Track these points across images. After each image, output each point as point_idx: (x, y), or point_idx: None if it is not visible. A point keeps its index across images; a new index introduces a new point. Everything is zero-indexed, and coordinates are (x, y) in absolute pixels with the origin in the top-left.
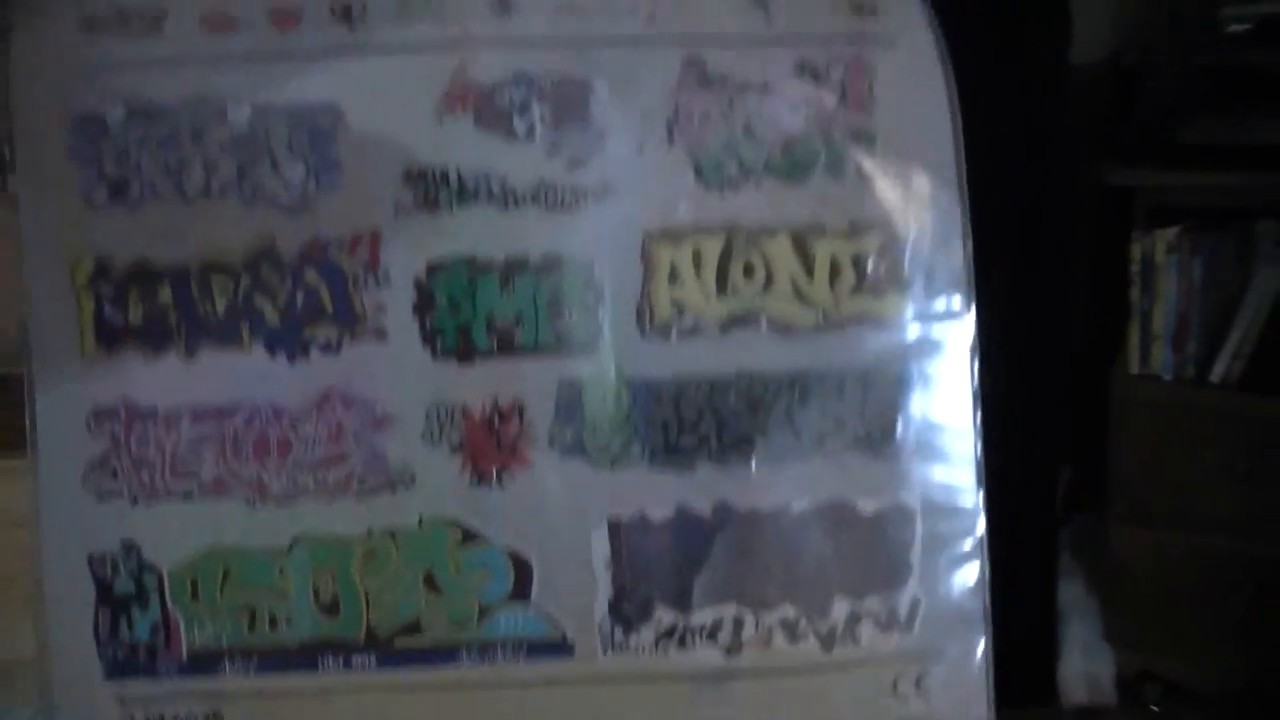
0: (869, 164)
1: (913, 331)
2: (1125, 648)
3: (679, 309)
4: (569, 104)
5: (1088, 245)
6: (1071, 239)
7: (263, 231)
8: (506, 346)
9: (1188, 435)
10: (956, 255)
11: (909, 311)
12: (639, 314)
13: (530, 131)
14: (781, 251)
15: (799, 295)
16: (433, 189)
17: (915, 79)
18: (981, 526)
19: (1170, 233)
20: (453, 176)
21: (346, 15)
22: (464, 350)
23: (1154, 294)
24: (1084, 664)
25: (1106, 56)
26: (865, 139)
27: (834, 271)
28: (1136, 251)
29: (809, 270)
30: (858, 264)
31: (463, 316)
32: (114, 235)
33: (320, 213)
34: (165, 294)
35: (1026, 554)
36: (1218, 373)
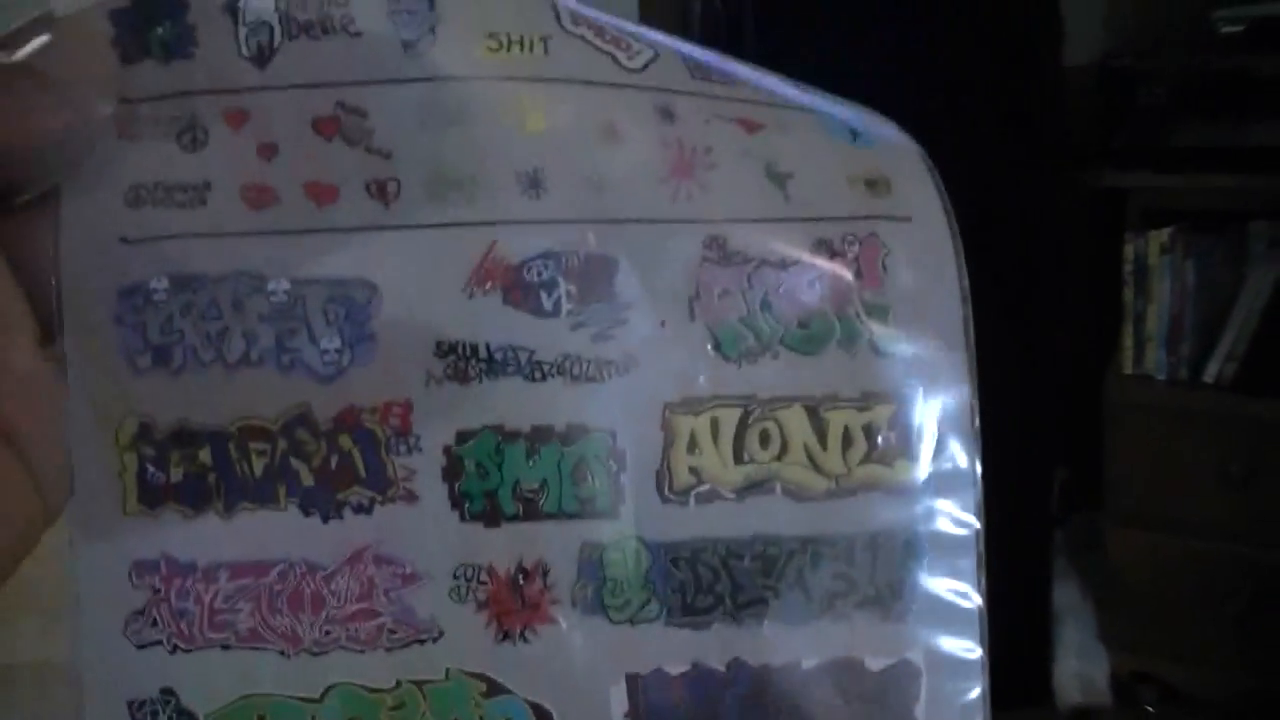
0: (881, 337)
1: (920, 497)
2: (1120, 649)
3: (697, 475)
4: (594, 281)
5: (1081, 247)
6: (1065, 242)
7: (299, 399)
8: (532, 511)
9: (1182, 437)
10: (964, 420)
11: (916, 478)
12: (659, 480)
13: (557, 307)
14: (796, 422)
15: (812, 462)
16: (462, 361)
17: (927, 253)
18: (983, 682)
19: (1164, 234)
20: (482, 350)
21: (382, 192)
22: (491, 514)
23: (1147, 295)
24: (1079, 665)
25: (1098, 59)
26: (878, 313)
27: (846, 440)
28: (1130, 253)
29: (822, 439)
30: (869, 433)
31: (490, 482)
32: (156, 399)
33: (354, 382)
34: (205, 455)
35: (1021, 555)
36: (1211, 374)
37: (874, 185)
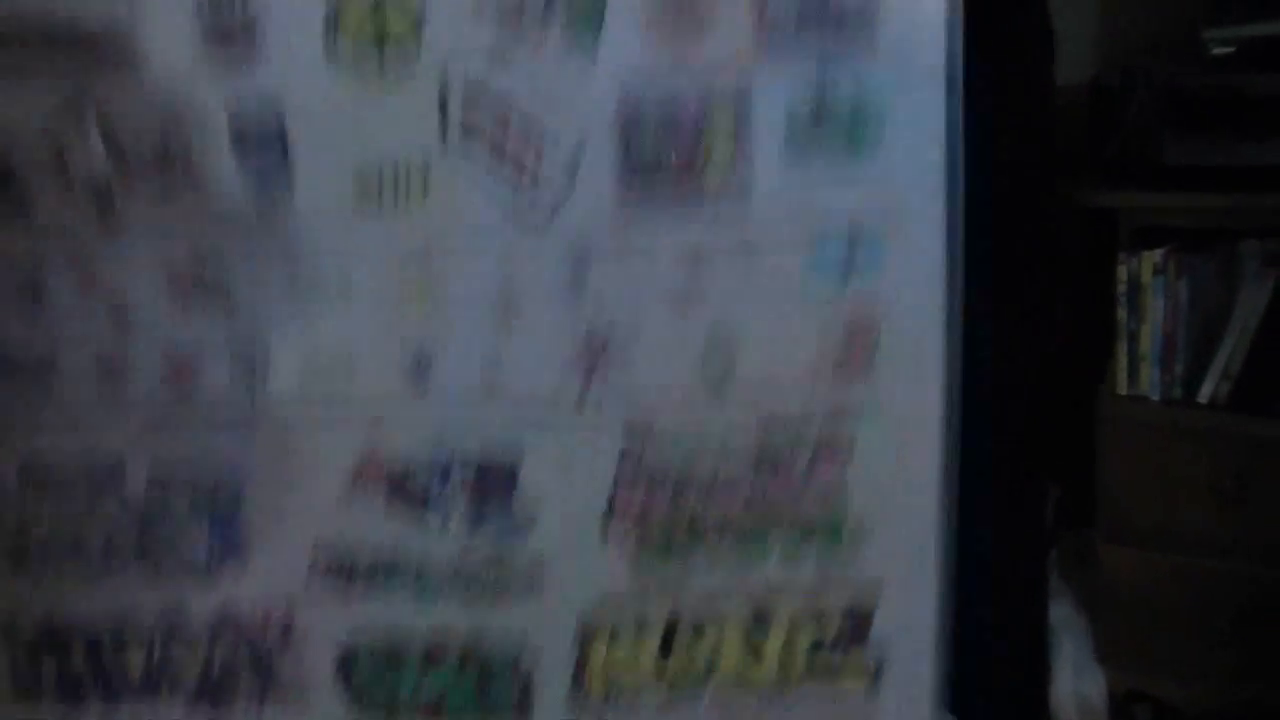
0: (832, 558)
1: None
2: (1115, 667)
3: (618, 686)
4: (490, 492)
5: (1073, 266)
6: (1057, 260)
7: (173, 596)
8: (435, 712)
9: (1175, 455)
10: (926, 643)
11: (867, 687)
12: (572, 694)
13: (447, 517)
14: (729, 645)
15: (746, 675)
16: (345, 569)
17: (902, 453)
18: None
19: (1156, 254)
20: (364, 558)
21: (248, 372)
22: (390, 712)
23: (1140, 315)
24: (1075, 684)
25: (1090, 77)
26: (829, 532)
27: (788, 649)
28: (1123, 273)
29: (758, 659)
30: (813, 659)
31: (385, 689)
32: (16, 599)
33: (229, 584)
34: (79, 656)
35: (1016, 574)
36: (1205, 393)
37: (845, 365)
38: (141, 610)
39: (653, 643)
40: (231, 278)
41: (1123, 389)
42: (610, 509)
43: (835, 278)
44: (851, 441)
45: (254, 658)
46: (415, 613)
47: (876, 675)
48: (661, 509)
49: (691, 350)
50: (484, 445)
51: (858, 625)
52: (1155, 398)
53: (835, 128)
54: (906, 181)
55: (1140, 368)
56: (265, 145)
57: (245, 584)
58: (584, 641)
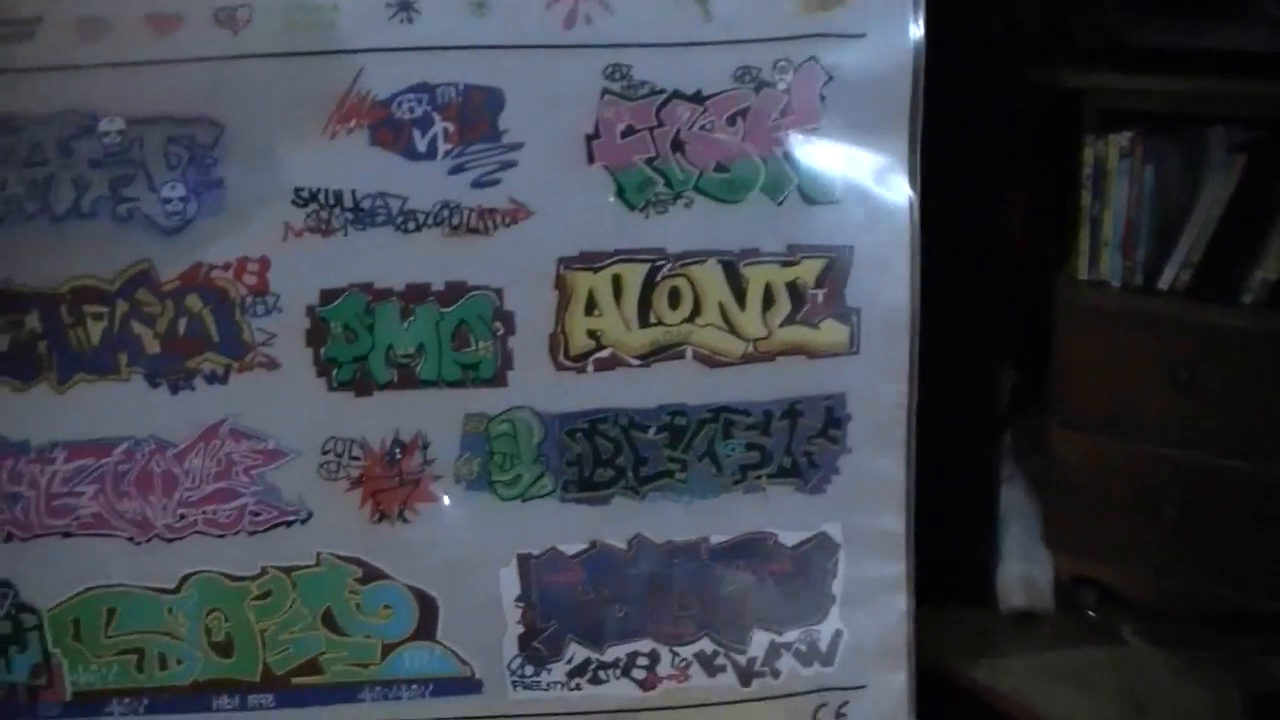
0: (813, 183)
1: (848, 363)
2: (1063, 552)
3: (596, 339)
4: (476, 117)
5: (1037, 149)
6: (1017, 141)
7: (139, 254)
8: (408, 379)
9: (1133, 342)
10: (899, 281)
11: (846, 342)
12: (552, 345)
13: (432, 148)
14: (711, 279)
15: (728, 324)
16: (325, 211)
17: (878, 79)
18: (907, 558)
19: (1122, 137)
20: (347, 198)
21: (231, 20)
22: (361, 382)
23: (1104, 199)
24: (1022, 568)
25: None
26: (810, 154)
27: (767, 300)
28: (1088, 156)
29: (740, 298)
30: (794, 292)
31: (360, 347)
32: None
33: (202, 235)
34: (33, 320)
35: (967, 457)
36: (1165, 280)
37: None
38: (106, 267)
39: (631, 301)
40: None
41: (1083, 274)
42: (596, 128)
43: None
44: (829, 69)
45: (222, 319)
46: (397, 251)
47: (854, 335)
48: (646, 126)
49: None
50: (471, 69)
51: (831, 291)
52: (1115, 283)
53: None
54: None
55: (1101, 253)
56: None
57: (219, 237)
58: (563, 282)
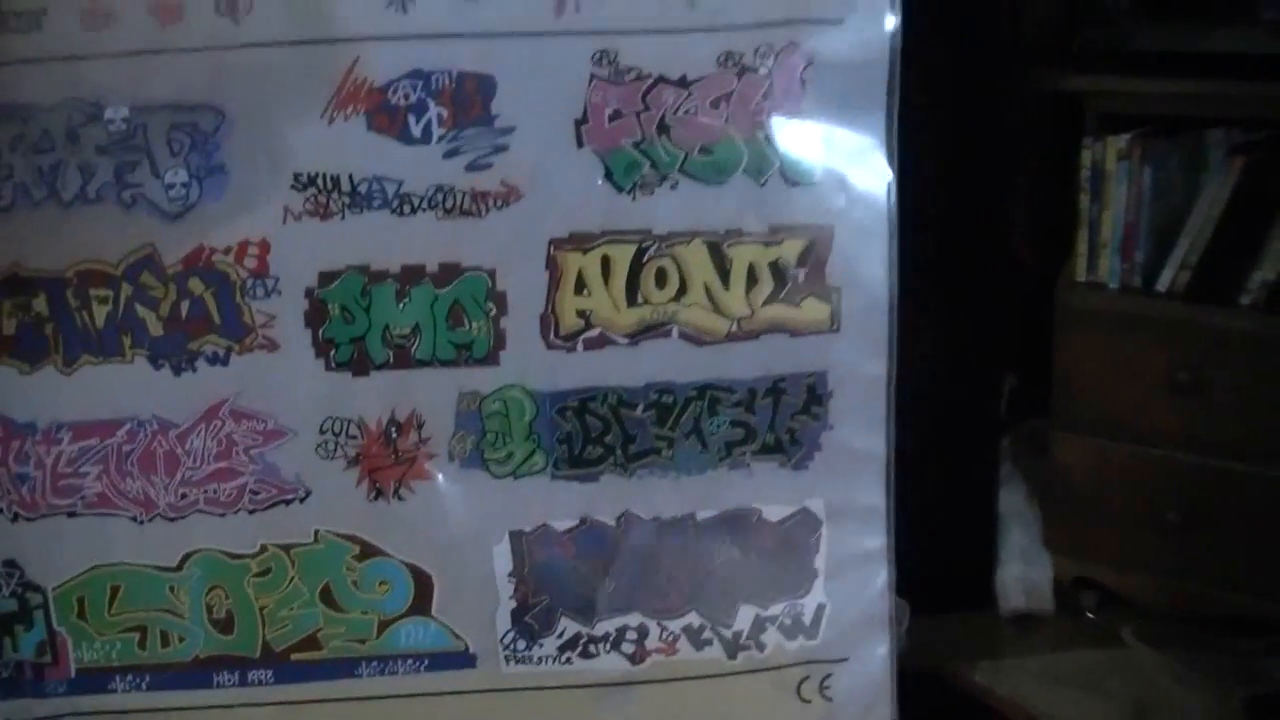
0: (794, 164)
1: (829, 339)
2: (1064, 555)
3: (586, 319)
4: (469, 102)
5: (1037, 151)
6: (1018, 145)
7: (143, 238)
8: (403, 358)
9: (1132, 344)
10: (878, 259)
11: (827, 320)
12: (543, 324)
13: (427, 133)
14: (696, 259)
15: (713, 303)
16: (324, 195)
17: (857, 63)
18: (887, 532)
19: (1121, 140)
20: (344, 181)
21: (232, 8)
22: (359, 362)
23: (1103, 201)
24: (1022, 570)
25: None
26: (793, 136)
27: (751, 278)
28: (1087, 158)
29: (725, 277)
30: (776, 271)
31: (357, 327)
32: None
33: (204, 218)
34: (40, 304)
35: (967, 460)
36: (1164, 282)
37: None
38: (111, 250)
39: (619, 281)
40: None
41: (1081, 276)
42: (585, 112)
43: None
44: (809, 53)
45: (223, 300)
46: (393, 233)
47: (835, 313)
48: (633, 110)
49: None
50: (464, 56)
51: (812, 270)
52: (1114, 285)
53: None
54: None
55: (1100, 255)
56: None
57: (221, 220)
58: (554, 262)
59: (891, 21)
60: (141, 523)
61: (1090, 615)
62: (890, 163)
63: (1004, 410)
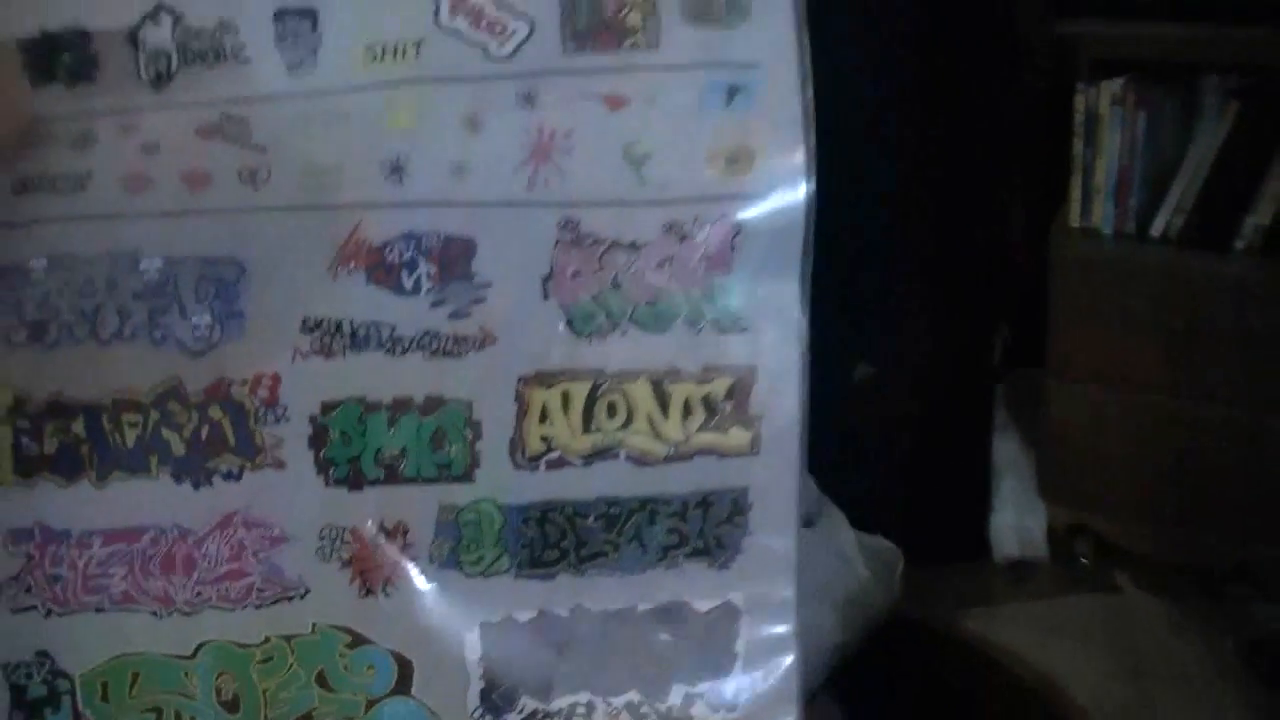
0: (724, 316)
1: (751, 462)
2: (1058, 503)
3: (548, 443)
4: (454, 261)
5: (1031, 96)
6: (1010, 90)
7: (170, 372)
8: (393, 475)
9: (1126, 290)
10: (792, 394)
11: (749, 445)
12: (512, 447)
13: (417, 286)
14: (641, 394)
15: (654, 431)
16: (328, 337)
17: (778, 229)
18: (795, 619)
19: (1115, 84)
20: (346, 326)
21: (253, 178)
22: (354, 479)
23: (1097, 147)
24: (1016, 518)
25: None
26: (723, 292)
27: (686, 410)
28: (1080, 103)
29: (664, 409)
30: (708, 404)
31: (353, 449)
32: (31, 373)
33: (225, 355)
34: (79, 427)
35: (962, 409)
36: (1158, 228)
37: (735, 162)
38: (142, 382)
39: (576, 412)
40: (253, 120)
41: (1075, 222)
42: (551, 270)
43: (721, 105)
44: (738, 224)
45: (238, 426)
46: (386, 370)
47: (755, 439)
48: (591, 270)
49: (614, 154)
50: (451, 221)
51: (738, 403)
52: (1108, 231)
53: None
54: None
55: (1094, 201)
56: (299, 27)
57: (239, 357)
58: (522, 397)
59: (807, 191)
60: (161, 617)
61: (1084, 563)
62: (803, 311)
63: (998, 359)
